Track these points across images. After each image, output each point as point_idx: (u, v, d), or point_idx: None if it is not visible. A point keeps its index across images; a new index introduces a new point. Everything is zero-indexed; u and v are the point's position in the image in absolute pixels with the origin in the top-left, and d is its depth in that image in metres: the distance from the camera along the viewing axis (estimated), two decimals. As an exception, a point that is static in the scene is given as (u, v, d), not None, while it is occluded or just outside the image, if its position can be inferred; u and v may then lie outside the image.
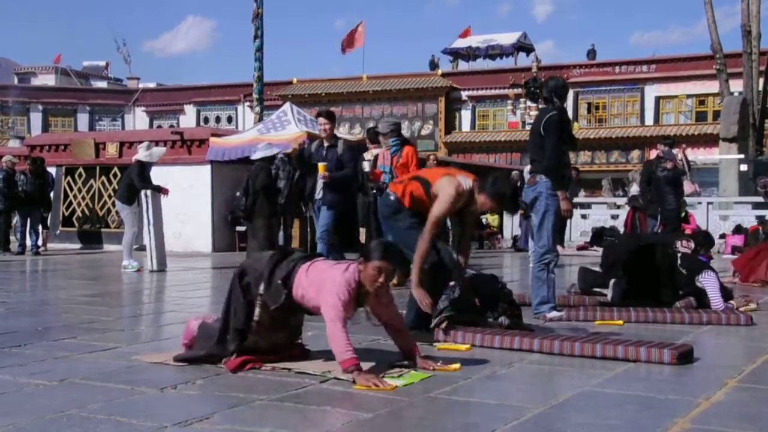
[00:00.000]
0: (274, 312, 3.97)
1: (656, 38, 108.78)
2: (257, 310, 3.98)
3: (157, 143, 13.05)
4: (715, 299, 6.32)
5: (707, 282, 6.44)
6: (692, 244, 7.33)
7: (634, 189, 21.20)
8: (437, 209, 4.70)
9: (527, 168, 8.35)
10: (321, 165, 8.39)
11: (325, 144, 8.61)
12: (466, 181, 4.81)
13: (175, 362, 4.08)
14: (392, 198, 4.95)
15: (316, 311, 3.90)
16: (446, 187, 4.74)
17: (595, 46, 43.29)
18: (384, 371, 3.86)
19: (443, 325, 4.89)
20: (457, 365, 4.10)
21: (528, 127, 30.01)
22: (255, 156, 10.27)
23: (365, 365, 3.75)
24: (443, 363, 4.08)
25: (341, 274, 3.85)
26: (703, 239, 8.06)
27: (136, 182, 10.46)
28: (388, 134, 8.28)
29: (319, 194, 8.57)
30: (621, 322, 5.81)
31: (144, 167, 10.57)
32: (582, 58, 41.09)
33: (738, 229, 15.74)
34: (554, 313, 5.82)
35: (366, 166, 8.70)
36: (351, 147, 8.89)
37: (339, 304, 3.75)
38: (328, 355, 3.97)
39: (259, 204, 9.66)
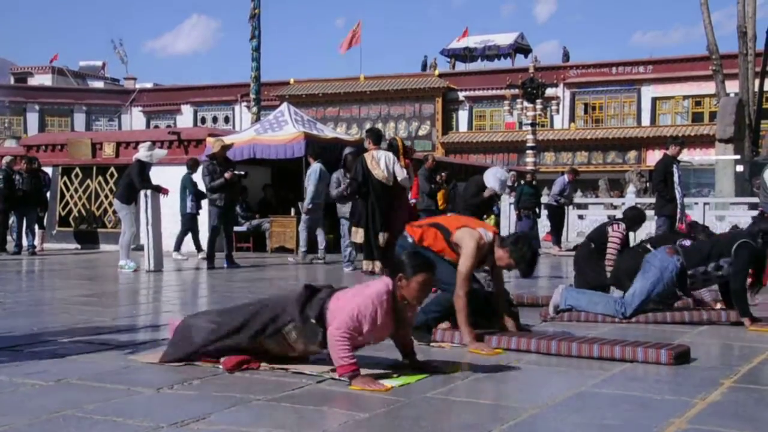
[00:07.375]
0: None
1: (657, 39, 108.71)
2: (292, 334, 3.90)
3: (154, 143, 13.03)
4: (611, 252, 6.70)
5: (613, 234, 6.81)
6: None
7: (631, 189, 21.26)
8: (464, 265, 4.70)
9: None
10: None
11: None
12: (487, 233, 4.81)
13: (160, 362, 4.07)
14: (410, 241, 5.00)
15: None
16: (468, 240, 4.74)
17: (595, 48, 43.48)
18: (382, 372, 3.86)
19: (443, 325, 4.91)
20: (456, 367, 4.10)
21: (525, 128, 30.18)
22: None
23: (363, 371, 3.73)
24: (441, 365, 4.08)
25: (368, 296, 3.75)
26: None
27: (136, 182, 10.43)
28: None
29: None
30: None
31: (144, 167, 10.54)
32: (582, 58, 41.22)
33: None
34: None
35: None
36: None
37: (348, 321, 3.66)
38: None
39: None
